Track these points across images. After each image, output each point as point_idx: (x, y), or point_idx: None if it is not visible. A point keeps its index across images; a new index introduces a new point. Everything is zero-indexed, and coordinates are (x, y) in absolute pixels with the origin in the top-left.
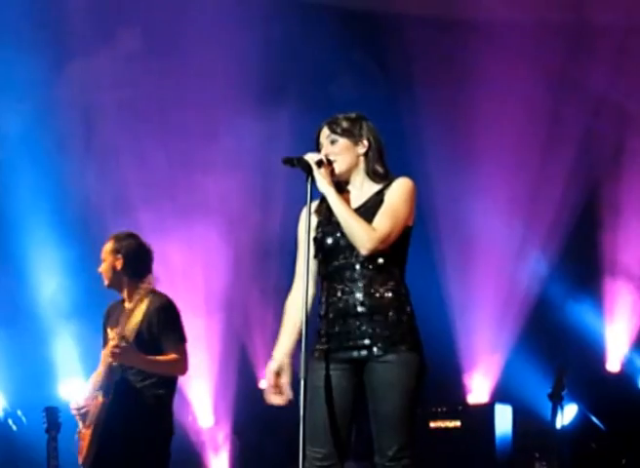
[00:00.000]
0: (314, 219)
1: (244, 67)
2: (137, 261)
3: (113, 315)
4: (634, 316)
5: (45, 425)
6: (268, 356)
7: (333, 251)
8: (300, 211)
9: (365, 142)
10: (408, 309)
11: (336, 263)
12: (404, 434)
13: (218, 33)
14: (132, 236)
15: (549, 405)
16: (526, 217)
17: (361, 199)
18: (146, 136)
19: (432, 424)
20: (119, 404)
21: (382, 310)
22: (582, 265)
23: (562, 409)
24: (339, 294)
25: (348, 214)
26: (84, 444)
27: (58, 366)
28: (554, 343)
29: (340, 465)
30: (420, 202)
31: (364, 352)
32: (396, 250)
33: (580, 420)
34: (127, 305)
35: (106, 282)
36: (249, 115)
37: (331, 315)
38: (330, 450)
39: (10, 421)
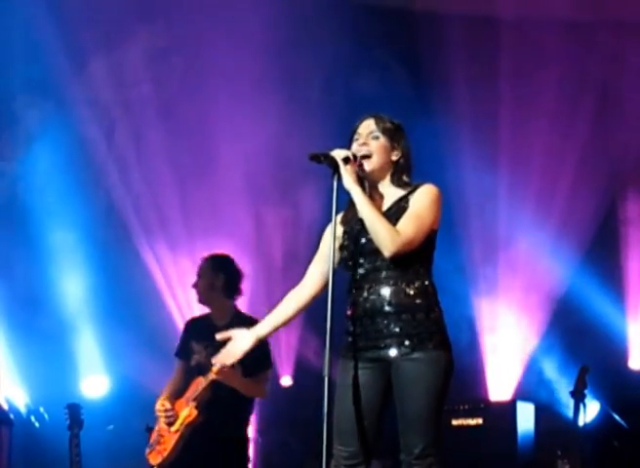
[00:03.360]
0: (340, 229)
1: (266, 64)
2: (234, 282)
3: (199, 329)
4: None
5: (67, 422)
6: (292, 356)
7: (359, 255)
8: (326, 213)
9: (399, 151)
10: (435, 308)
11: (362, 268)
12: (430, 432)
13: (240, 29)
14: (230, 258)
15: (572, 402)
16: (551, 215)
17: (385, 205)
18: (169, 133)
19: (454, 422)
20: (211, 422)
21: (410, 309)
22: (606, 263)
23: (584, 406)
24: (365, 295)
25: (374, 214)
26: (165, 447)
27: (80, 363)
28: (577, 341)
29: (367, 464)
30: (450, 200)
31: (392, 351)
32: (422, 251)
33: (603, 418)
34: (218, 323)
35: (200, 297)
36: (272, 112)
37: (358, 315)
38: (357, 449)
39: (32, 418)
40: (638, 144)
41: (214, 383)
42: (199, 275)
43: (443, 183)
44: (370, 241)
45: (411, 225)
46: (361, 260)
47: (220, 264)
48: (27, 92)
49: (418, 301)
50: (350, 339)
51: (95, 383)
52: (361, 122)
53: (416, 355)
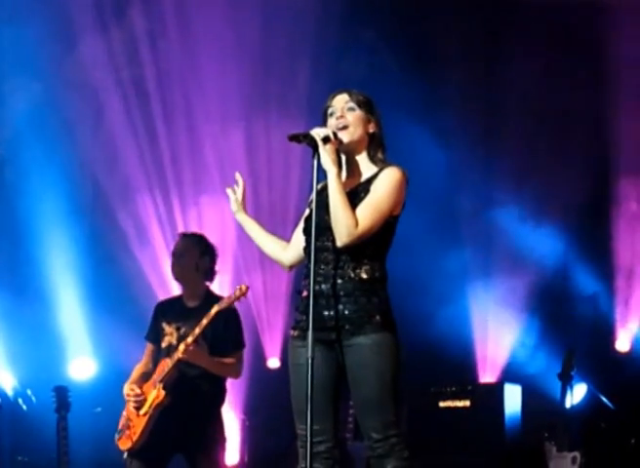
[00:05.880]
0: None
1: (253, 47)
2: (213, 266)
3: (171, 311)
4: None
5: (54, 404)
6: (279, 338)
7: (316, 229)
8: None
9: (374, 123)
10: (380, 293)
11: (316, 243)
12: (384, 414)
13: (226, 13)
14: (209, 242)
15: (559, 384)
16: (539, 196)
17: (355, 181)
18: (155, 117)
19: (442, 404)
20: (179, 403)
21: (352, 293)
22: (594, 245)
23: (571, 388)
24: (313, 275)
25: (340, 201)
26: (135, 431)
27: (67, 345)
28: (564, 323)
29: (332, 441)
30: (437, 180)
31: (333, 334)
32: (376, 237)
33: (590, 400)
34: (189, 304)
35: (180, 275)
36: (257, 96)
37: (305, 295)
38: (317, 428)
39: (20, 401)
40: (632, 121)
41: (181, 363)
42: (183, 252)
43: (427, 166)
44: (328, 218)
45: (369, 217)
46: (316, 235)
47: (207, 246)
48: (15, 74)
49: (361, 286)
50: (299, 318)
51: (82, 366)
52: (334, 97)
53: (356, 339)
